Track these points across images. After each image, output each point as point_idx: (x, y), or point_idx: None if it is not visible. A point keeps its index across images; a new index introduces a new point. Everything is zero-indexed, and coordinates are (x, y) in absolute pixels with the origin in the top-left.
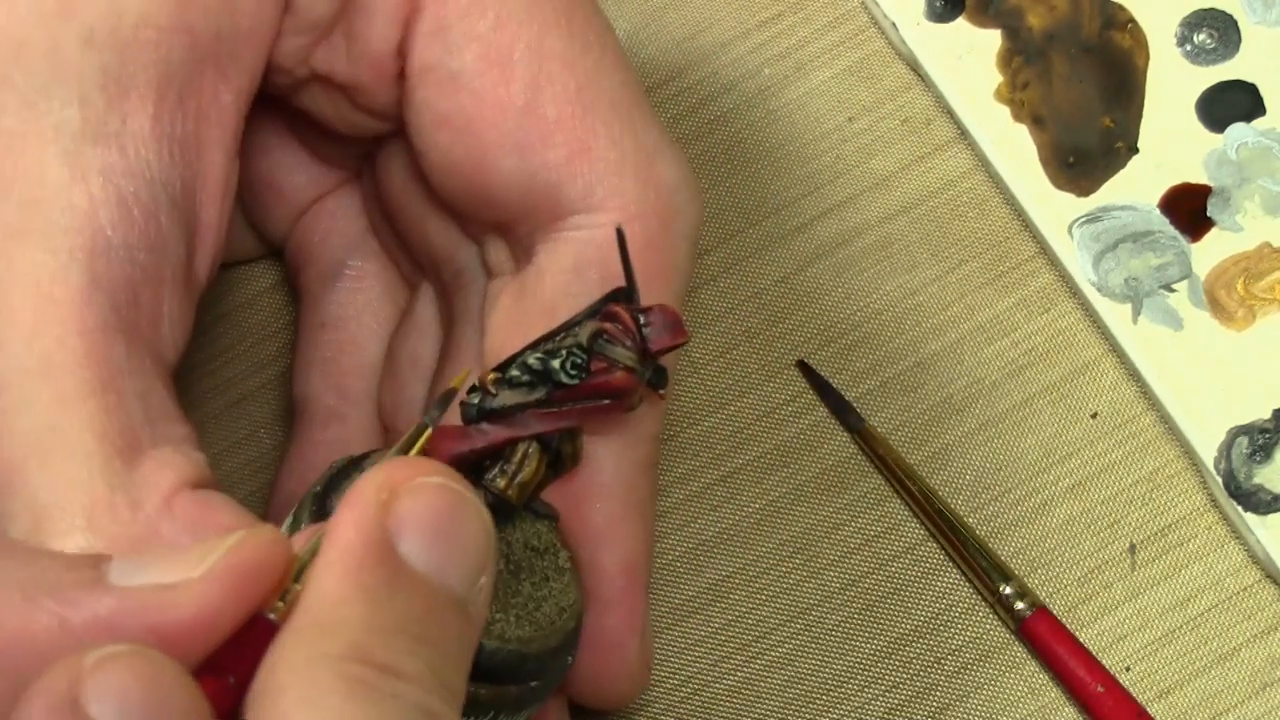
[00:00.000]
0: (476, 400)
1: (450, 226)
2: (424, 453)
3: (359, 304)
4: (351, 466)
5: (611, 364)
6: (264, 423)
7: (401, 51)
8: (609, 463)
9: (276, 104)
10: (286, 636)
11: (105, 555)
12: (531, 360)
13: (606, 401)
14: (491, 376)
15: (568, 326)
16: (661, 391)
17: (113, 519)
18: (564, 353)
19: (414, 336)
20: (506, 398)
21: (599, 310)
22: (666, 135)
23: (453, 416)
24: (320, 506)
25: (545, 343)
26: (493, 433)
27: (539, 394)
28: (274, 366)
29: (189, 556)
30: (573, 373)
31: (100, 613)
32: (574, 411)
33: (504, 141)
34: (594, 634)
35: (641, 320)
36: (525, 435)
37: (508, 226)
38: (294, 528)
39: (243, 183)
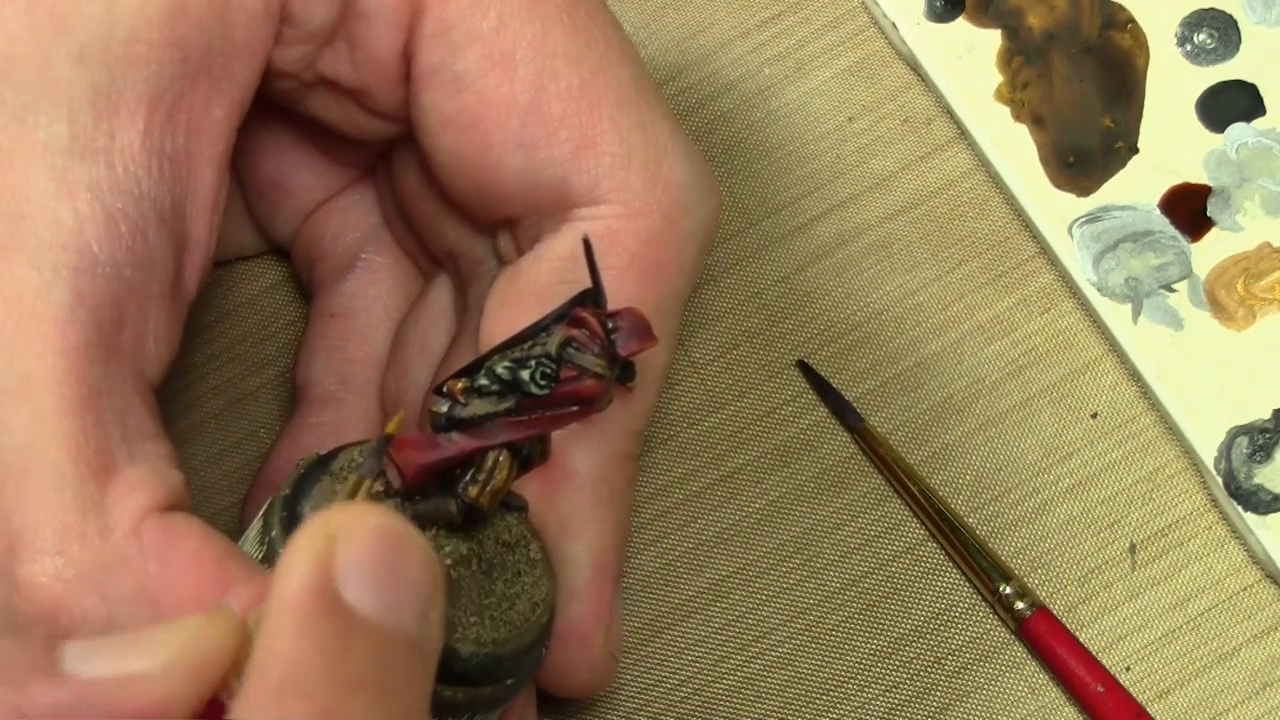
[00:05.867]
0: (445, 409)
1: (465, 222)
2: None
3: (370, 296)
4: (318, 467)
5: (581, 372)
6: (264, 423)
7: (406, 54)
8: (580, 454)
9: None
10: (249, 704)
11: (60, 638)
12: (500, 370)
13: (576, 408)
14: (460, 385)
15: (535, 330)
16: (630, 385)
17: (83, 546)
18: (533, 363)
19: (424, 322)
20: (476, 407)
21: (566, 314)
22: (681, 132)
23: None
24: (290, 511)
25: (514, 347)
26: (462, 442)
27: (508, 403)
28: (274, 366)
29: (147, 643)
30: (542, 383)
31: (57, 703)
32: (544, 419)
33: (509, 140)
34: (560, 624)
35: (610, 325)
36: (495, 444)
37: (517, 221)
38: (264, 531)
39: (248, 180)
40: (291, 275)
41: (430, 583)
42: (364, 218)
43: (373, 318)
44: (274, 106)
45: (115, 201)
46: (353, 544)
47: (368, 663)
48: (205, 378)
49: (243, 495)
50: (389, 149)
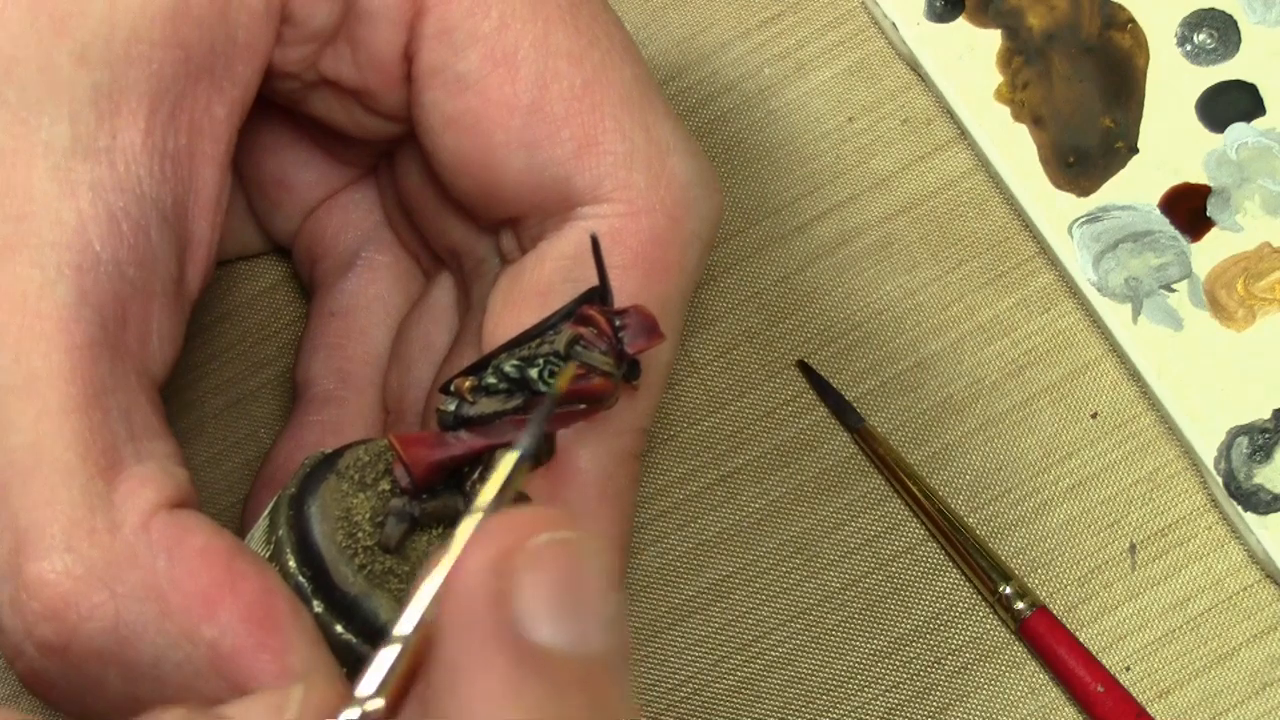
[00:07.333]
0: (454, 408)
1: (467, 221)
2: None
3: (370, 295)
4: (324, 466)
5: (589, 370)
6: (264, 423)
7: (408, 54)
8: (585, 452)
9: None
10: None
11: None
12: (508, 368)
13: (584, 406)
14: (468, 383)
15: (543, 328)
16: (635, 383)
17: (91, 542)
18: (541, 361)
19: (427, 320)
20: (484, 405)
21: (573, 312)
22: (683, 130)
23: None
24: (297, 510)
25: (521, 345)
26: (470, 440)
27: (516, 401)
28: (274, 366)
29: None
30: (551, 381)
31: None
32: (551, 417)
33: (512, 140)
34: None
35: (617, 323)
36: (504, 442)
37: (519, 220)
38: (271, 531)
39: (249, 178)
40: (291, 275)
41: (608, 582)
42: (365, 216)
43: (373, 316)
44: (276, 104)
45: (117, 201)
46: (534, 575)
47: (578, 703)
48: (205, 378)
49: (243, 495)
50: (391, 148)
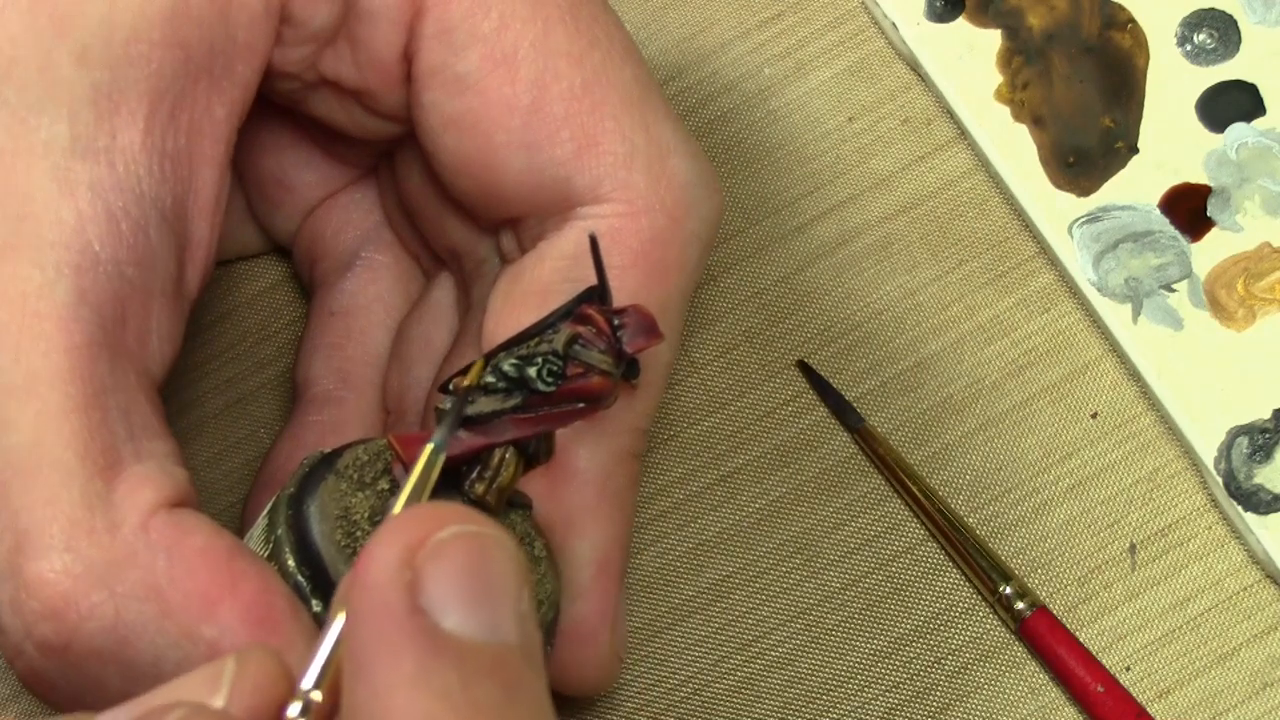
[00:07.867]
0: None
1: (468, 221)
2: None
3: (370, 295)
4: (323, 466)
5: (588, 369)
6: (264, 423)
7: (407, 55)
8: (584, 451)
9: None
10: None
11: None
12: (507, 367)
13: (582, 405)
14: (467, 382)
15: (542, 328)
16: (634, 382)
17: (91, 541)
18: (540, 360)
19: (428, 320)
20: (483, 404)
21: (572, 311)
22: (684, 131)
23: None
24: (296, 510)
25: (520, 344)
26: (469, 440)
27: (515, 400)
28: (274, 366)
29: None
30: (549, 380)
31: None
32: (550, 416)
33: (512, 140)
34: (565, 622)
35: (616, 322)
36: (502, 441)
37: (519, 220)
38: (270, 530)
39: (249, 177)
40: (291, 275)
41: (519, 575)
42: (365, 216)
43: (373, 316)
44: (276, 104)
45: (116, 200)
46: (439, 564)
47: (494, 688)
48: (205, 378)
49: (243, 495)
50: (391, 148)
